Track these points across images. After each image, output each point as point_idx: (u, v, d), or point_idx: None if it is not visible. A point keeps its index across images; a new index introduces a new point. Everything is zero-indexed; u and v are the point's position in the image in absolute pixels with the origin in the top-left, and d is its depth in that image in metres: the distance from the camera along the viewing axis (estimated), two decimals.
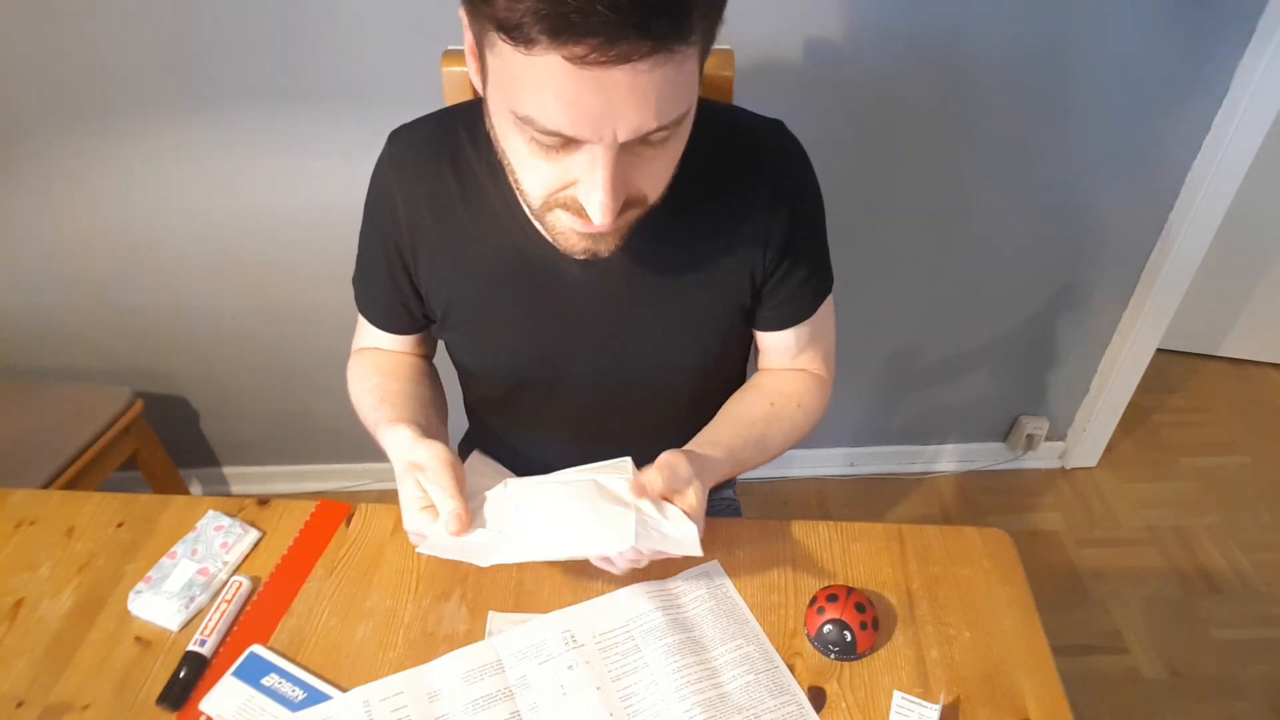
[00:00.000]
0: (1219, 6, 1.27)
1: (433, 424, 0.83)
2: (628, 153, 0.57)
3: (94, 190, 1.42)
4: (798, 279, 0.82)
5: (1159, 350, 1.74)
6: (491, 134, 0.63)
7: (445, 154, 0.77)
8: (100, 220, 1.46)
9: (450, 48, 0.91)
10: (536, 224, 0.75)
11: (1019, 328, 1.71)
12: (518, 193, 0.65)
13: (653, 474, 0.70)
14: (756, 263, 0.79)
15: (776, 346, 0.88)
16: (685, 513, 0.70)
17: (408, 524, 0.70)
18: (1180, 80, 1.35)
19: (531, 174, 0.61)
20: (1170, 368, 2.17)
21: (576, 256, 0.66)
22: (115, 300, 1.58)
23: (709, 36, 0.56)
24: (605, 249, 0.66)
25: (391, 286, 0.84)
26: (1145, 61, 1.33)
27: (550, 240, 0.67)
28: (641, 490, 0.69)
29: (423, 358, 0.94)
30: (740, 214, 0.77)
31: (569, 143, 0.56)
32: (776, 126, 0.79)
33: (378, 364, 0.90)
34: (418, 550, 0.68)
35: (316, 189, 1.42)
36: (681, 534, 0.68)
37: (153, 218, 1.46)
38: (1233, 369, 2.21)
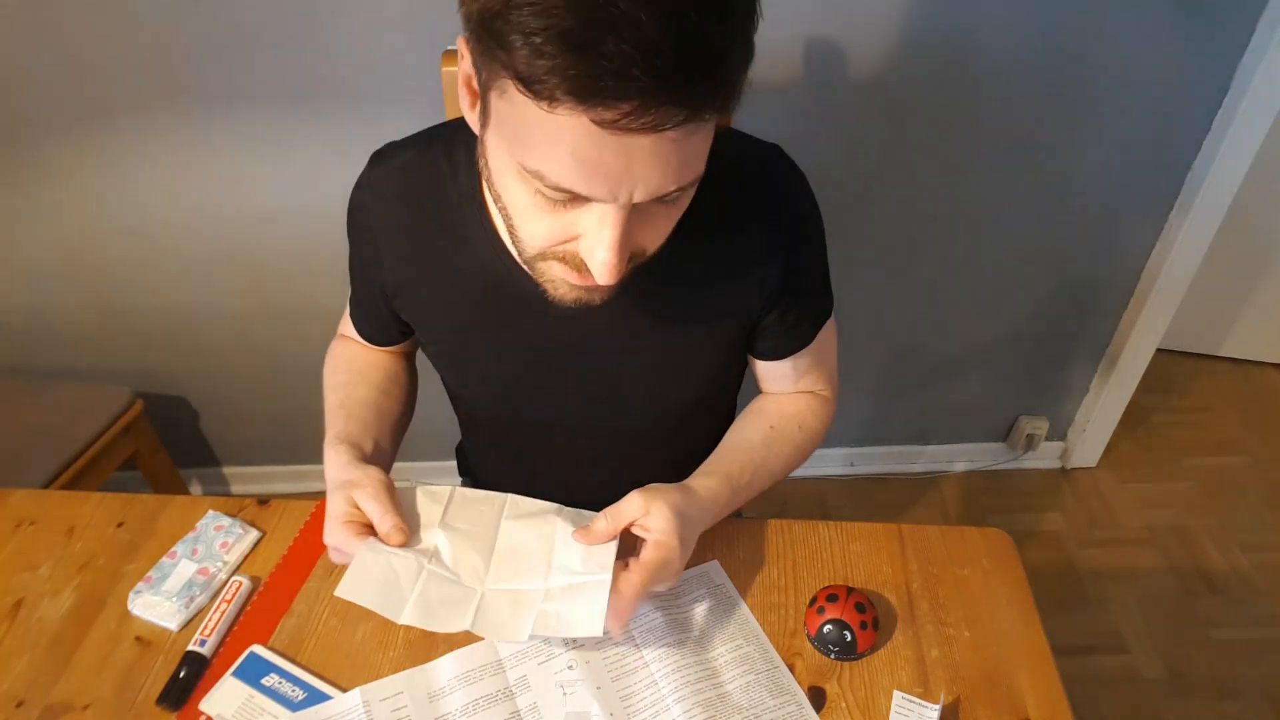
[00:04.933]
0: (1219, 6, 1.27)
1: (382, 446, 0.81)
2: (638, 211, 0.54)
3: (94, 190, 1.42)
4: (796, 314, 0.80)
5: (1159, 350, 1.74)
6: (485, 173, 0.60)
7: (423, 182, 0.75)
8: (100, 220, 1.46)
9: (450, 48, 0.91)
10: (523, 265, 0.72)
11: (1019, 328, 1.71)
12: (511, 239, 0.62)
13: (600, 520, 0.69)
14: (752, 303, 0.77)
15: (776, 374, 0.86)
16: (658, 539, 0.68)
17: (328, 538, 0.69)
18: (1180, 80, 1.35)
19: (531, 226, 0.57)
20: (1170, 368, 2.17)
21: (566, 305, 0.63)
22: (115, 300, 1.58)
23: (735, 101, 0.51)
24: (598, 299, 0.63)
25: (373, 306, 0.85)
26: (1145, 61, 1.33)
27: (545, 291, 0.64)
28: (587, 535, 0.69)
29: (403, 355, 0.94)
30: (737, 254, 0.74)
31: (578, 198, 0.53)
32: (774, 155, 0.75)
33: (352, 361, 0.89)
34: (336, 592, 0.65)
35: (316, 189, 1.42)
36: (587, 610, 0.66)
37: (153, 218, 1.46)
38: (1233, 369, 2.21)
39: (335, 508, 0.69)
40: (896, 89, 1.34)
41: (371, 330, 0.89)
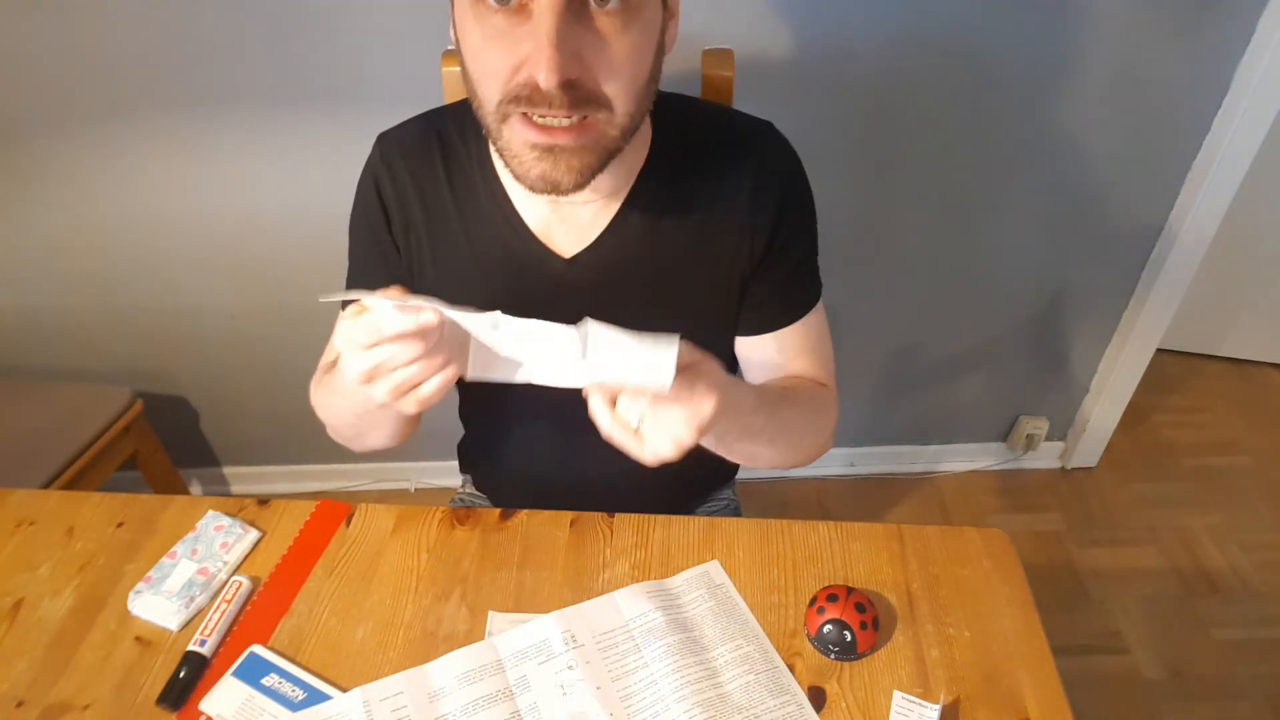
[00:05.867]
0: (1219, 6, 1.27)
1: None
2: (580, 25, 0.58)
3: (94, 190, 1.42)
4: (779, 277, 0.80)
5: (1159, 350, 1.74)
6: (460, 59, 0.63)
7: (435, 151, 0.78)
8: (100, 220, 1.46)
9: (450, 48, 0.91)
10: (519, 209, 0.75)
11: (1019, 328, 1.71)
12: (478, 110, 0.64)
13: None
14: (743, 257, 0.78)
15: (760, 358, 0.85)
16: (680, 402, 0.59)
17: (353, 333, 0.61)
18: (1180, 80, 1.35)
19: (486, 67, 0.60)
20: (1170, 368, 2.17)
21: (535, 186, 0.63)
22: (115, 300, 1.58)
23: None
24: (565, 173, 0.62)
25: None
26: (1145, 61, 1.32)
27: (514, 175, 0.64)
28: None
29: None
30: (727, 213, 0.77)
31: (521, 11, 0.57)
32: (766, 127, 0.78)
33: None
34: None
35: (316, 189, 1.42)
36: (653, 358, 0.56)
37: (153, 218, 1.46)
38: (1233, 369, 2.20)
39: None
40: (895, 89, 1.34)
41: None
